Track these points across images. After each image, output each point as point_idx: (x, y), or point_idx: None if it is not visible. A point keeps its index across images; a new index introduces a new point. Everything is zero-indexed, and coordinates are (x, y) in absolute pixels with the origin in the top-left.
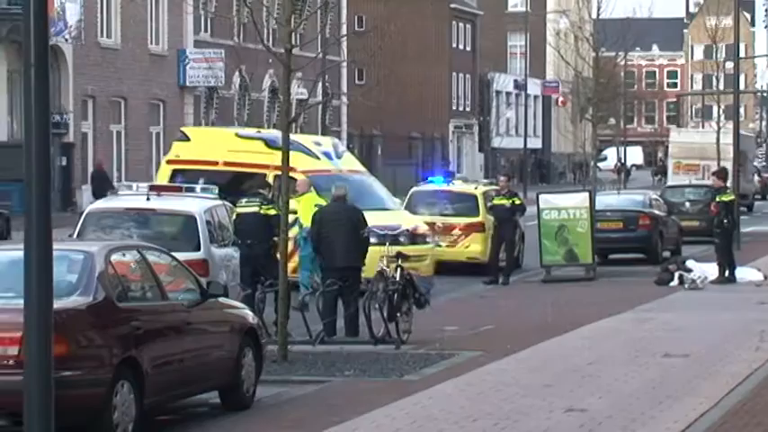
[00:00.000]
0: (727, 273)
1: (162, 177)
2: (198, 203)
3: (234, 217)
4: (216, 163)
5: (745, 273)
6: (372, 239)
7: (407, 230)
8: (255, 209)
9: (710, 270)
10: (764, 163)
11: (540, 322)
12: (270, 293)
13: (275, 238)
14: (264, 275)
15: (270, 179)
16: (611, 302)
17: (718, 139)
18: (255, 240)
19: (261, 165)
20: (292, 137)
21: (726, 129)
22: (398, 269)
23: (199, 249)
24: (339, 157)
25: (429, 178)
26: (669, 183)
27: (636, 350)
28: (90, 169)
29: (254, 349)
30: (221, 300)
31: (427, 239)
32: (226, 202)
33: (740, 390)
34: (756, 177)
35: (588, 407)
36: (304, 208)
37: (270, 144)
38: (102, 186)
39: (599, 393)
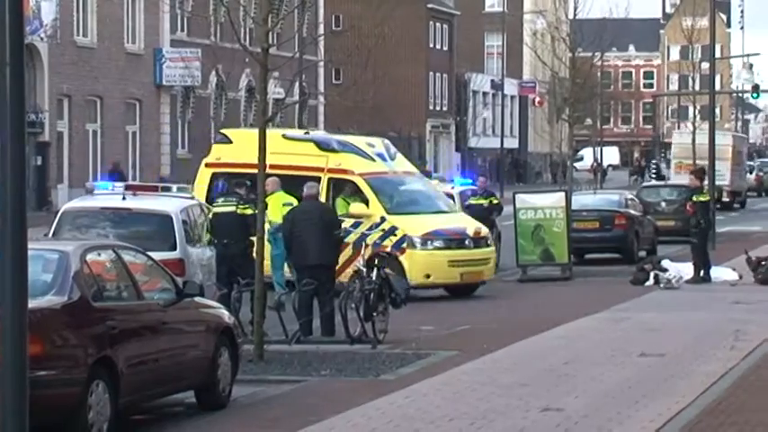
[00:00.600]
0: (702, 272)
1: (201, 182)
2: (174, 203)
3: (210, 216)
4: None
5: (720, 272)
6: (438, 243)
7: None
8: (232, 208)
9: (686, 270)
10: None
11: (517, 322)
12: (246, 293)
13: (252, 238)
14: (240, 275)
15: (324, 182)
16: (586, 302)
17: (712, 140)
18: (232, 240)
19: (313, 167)
20: (344, 138)
21: (724, 131)
22: (375, 269)
23: (175, 249)
24: (392, 158)
25: None
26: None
27: (612, 349)
28: (66, 169)
29: (230, 349)
30: (197, 299)
31: (488, 242)
32: (202, 202)
33: (715, 389)
34: (752, 175)
35: (564, 406)
36: (272, 207)
37: (321, 146)
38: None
39: (575, 393)
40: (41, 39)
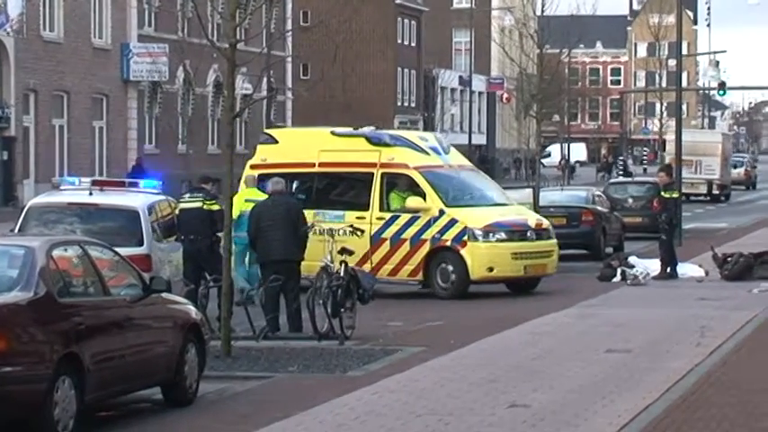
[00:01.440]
0: (669, 269)
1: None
2: (141, 198)
3: (177, 212)
4: (312, 165)
5: (686, 269)
6: (500, 235)
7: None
8: (198, 204)
9: (653, 266)
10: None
11: (485, 318)
12: (213, 289)
13: (218, 234)
14: (207, 271)
15: (377, 177)
16: (554, 298)
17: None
18: (198, 236)
19: (366, 163)
20: (397, 133)
21: (714, 130)
22: (342, 264)
23: (142, 244)
24: (446, 152)
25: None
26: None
27: (579, 345)
28: (33, 164)
29: (197, 345)
30: (164, 295)
31: (550, 234)
32: (169, 197)
33: (682, 385)
34: (742, 170)
35: (532, 402)
36: (236, 203)
37: (373, 141)
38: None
39: (543, 389)
40: (8, 33)
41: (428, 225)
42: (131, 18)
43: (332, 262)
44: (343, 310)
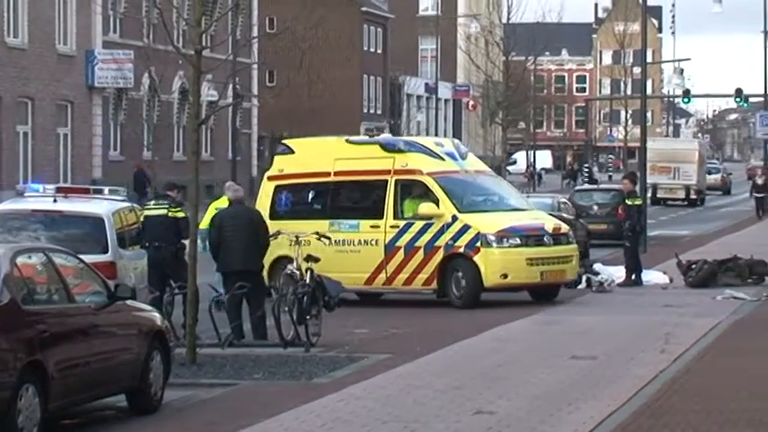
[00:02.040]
0: (633, 276)
1: (264, 196)
2: (106, 205)
3: (142, 219)
4: (327, 174)
5: (651, 276)
6: (515, 240)
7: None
8: (163, 211)
9: (617, 273)
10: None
11: (450, 325)
12: (178, 296)
13: (183, 241)
14: (173, 278)
15: (391, 184)
16: (519, 304)
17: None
18: (163, 243)
19: (380, 170)
20: (411, 138)
21: (691, 139)
22: (309, 272)
23: (106, 252)
24: (463, 157)
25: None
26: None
27: (544, 352)
28: None
29: (162, 352)
30: (129, 302)
31: (569, 239)
32: (135, 205)
33: (646, 391)
34: (718, 176)
35: (497, 409)
36: (207, 211)
37: (387, 147)
38: (142, 183)
39: (508, 395)
40: None
41: (441, 232)
42: (96, 24)
43: (298, 269)
44: (308, 317)
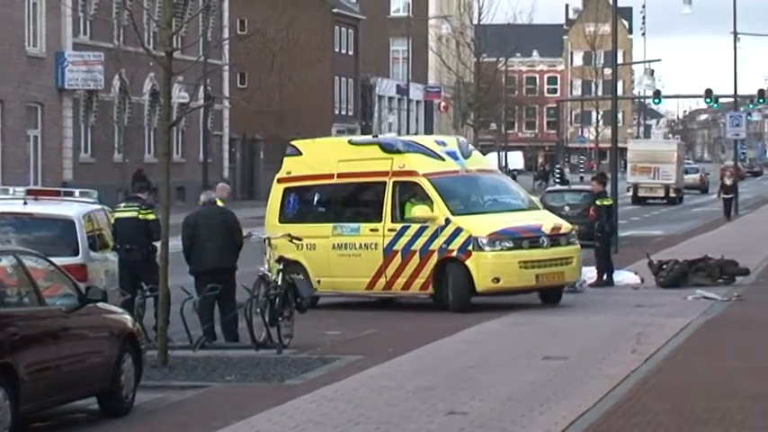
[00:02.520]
0: (605, 276)
1: (274, 200)
2: (76, 208)
3: (113, 222)
4: (331, 176)
5: (622, 276)
6: (507, 243)
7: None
8: (134, 213)
9: (589, 273)
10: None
11: (422, 326)
12: (150, 298)
13: (154, 243)
14: (144, 280)
15: (389, 186)
16: (491, 305)
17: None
18: (134, 245)
19: (379, 172)
20: (411, 139)
21: (670, 140)
22: (280, 273)
23: (77, 254)
24: (466, 156)
25: None
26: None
27: (516, 353)
28: None
29: (133, 354)
30: (100, 305)
31: (570, 240)
32: (105, 207)
33: (618, 392)
34: (697, 176)
35: (469, 410)
36: None
37: (386, 148)
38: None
39: (480, 396)
40: None
41: (435, 235)
42: (66, 26)
43: (269, 271)
44: (280, 318)
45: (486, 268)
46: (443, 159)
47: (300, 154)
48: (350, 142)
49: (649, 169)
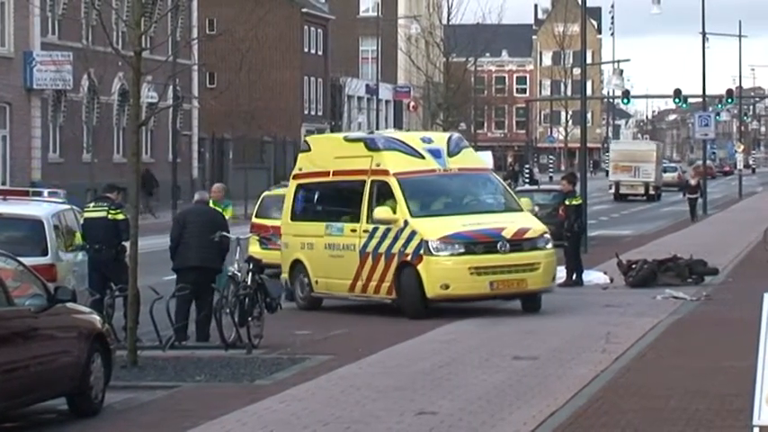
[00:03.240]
0: (574, 276)
1: (288, 196)
2: (45, 208)
3: (82, 222)
4: (327, 173)
5: (592, 276)
6: (459, 248)
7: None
8: (103, 213)
9: (559, 273)
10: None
11: (392, 326)
12: (119, 298)
13: (124, 243)
14: (113, 280)
15: (368, 186)
16: (460, 306)
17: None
18: (104, 245)
19: (361, 170)
20: (394, 136)
21: (649, 141)
22: (250, 273)
23: (46, 254)
24: (454, 153)
25: None
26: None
27: (486, 353)
28: None
29: (102, 355)
30: (69, 305)
31: (539, 244)
32: (74, 207)
33: (587, 391)
34: (675, 174)
35: (439, 409)
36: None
37: (369, 145)
38: (150, 184)
39: (450, 396)
40: None
41: (396, 238)
42: (34, 26)
43: (239, 271)
44: (250, 318)
45: (435, 274)
46: (423, 158)
47: (310, 150)
48: (345, 139)
49: (630, 168)
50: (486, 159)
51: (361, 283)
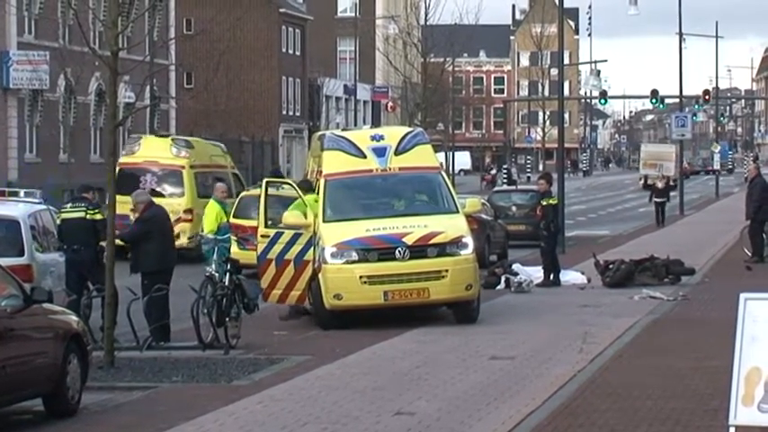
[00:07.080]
0: (552, 276)
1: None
2: (21, 208)
3: (59, 222)
4: (320, 172)
5: (569, 276)
6: (351, 255)
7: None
8: (81, 214)
9: (536, 273)
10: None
11: (370, 326)
12: (96, 299)
13: (102, 243)
14: (91, 281)
15: (320, 187)
16: (437, 306)
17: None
18: (81, 246)
19: (319, 171)
20: (340, 134)
21: (670, 144)
22: (227, 274)
23: (23, 254)
24: (403, 151)
25: None
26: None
27: (463, 353)
28: None
29: (79, 355)
30: (46, 305)
31: (448, 250)
32: (50, 207)
33: (564, 391)
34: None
35: (417, 410)
36: (207, 217)
37: (322, 144)
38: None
39: (427, 396)
40: None
41: (310, 243)
42: (11, 25)
43: (216, 271)
44: (228, 319)
45: (329, 283)
46: (364, 157)
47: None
48: (317, 138)
49: (655, 165)
50: (463, 159)
51: (277, 292)
